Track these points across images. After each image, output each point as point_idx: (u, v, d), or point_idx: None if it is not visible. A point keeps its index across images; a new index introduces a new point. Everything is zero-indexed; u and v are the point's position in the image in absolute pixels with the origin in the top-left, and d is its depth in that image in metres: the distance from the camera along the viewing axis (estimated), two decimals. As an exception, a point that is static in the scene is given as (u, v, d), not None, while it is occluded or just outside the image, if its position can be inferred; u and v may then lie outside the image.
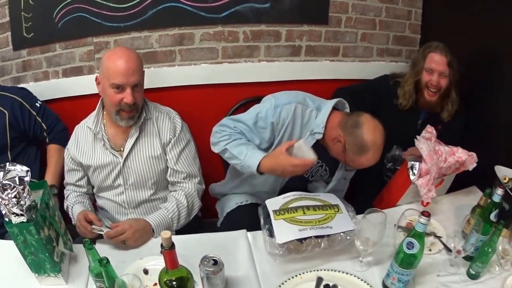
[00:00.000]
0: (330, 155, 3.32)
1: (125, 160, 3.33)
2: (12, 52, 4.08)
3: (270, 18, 4.14)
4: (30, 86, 4.07)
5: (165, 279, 2.24)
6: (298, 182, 3.50)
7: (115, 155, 3.32)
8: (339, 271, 2.77)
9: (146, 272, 2.74)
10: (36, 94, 3.90)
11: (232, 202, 3.69)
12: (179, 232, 3.29)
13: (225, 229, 3.35)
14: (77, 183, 3.50)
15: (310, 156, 2.91)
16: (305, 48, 4.34)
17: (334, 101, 3.31)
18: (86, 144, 3.38)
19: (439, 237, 3.08)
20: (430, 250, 2.98)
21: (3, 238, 3.04)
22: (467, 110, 3.96)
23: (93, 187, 3.56)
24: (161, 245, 2.10)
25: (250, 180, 3.59)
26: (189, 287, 2.31)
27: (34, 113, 3.77)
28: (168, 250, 2.11)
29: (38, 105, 3.81)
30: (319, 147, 3.25)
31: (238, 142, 3.24)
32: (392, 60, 4.66)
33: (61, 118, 3.96)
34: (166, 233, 2.07)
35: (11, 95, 3.71)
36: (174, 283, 2.23)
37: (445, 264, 2.86)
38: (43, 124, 3.82)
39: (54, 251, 2.56)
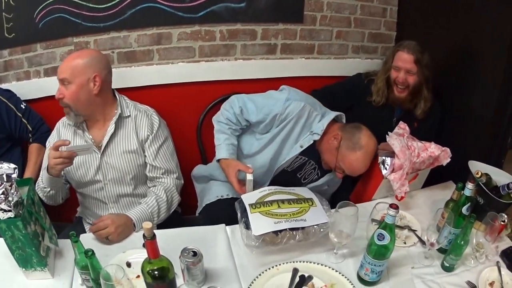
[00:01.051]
0: (323, 162, 3.47)
1: (102, 154, 3.40)
2: None
3: (246, 17, 4.20)
4: (12, 85, 4.13)
5: (148, 269, 2.32)
6: (290, 181, 3.56)
7: (94, 150, 3.38)
8: (314, 263, 2.87)
9: (128, 265, 2.80)
10: (18, 93, 3.97)
11: (213, 194, 3.80)
12: (159, 227, 3.31)
13: (204, 219, 3.52)
14: None
15: (247, 189, 3.18)
16: (281, 46, 4.42)
17: (337, 112, 3.48)
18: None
19: (414, 231, 3.17)
20: (405, 243, 3.07)
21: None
22: (442, 107, 4.02)
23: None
24: (143, 235, 2.17)
25: (241, 161, 3.61)
26: (170, 277, 2.39)
27: (20, 115, 3.82)
28: (150, 240, 2.18)
29: (23, 107, 3.86)
30: (314, 150, 3.44)
31: (223, 129, 3.49)
32: (367, 57, 4.73)
33: (44, 116, 4.02)
34: (148, 224, 2.14)
35: None
36: (156, 272, 2.31)
37: (419, 257, 2.95)
38: (28, 126, 3.88)
39: (40, 246, 2.60)
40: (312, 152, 3.48)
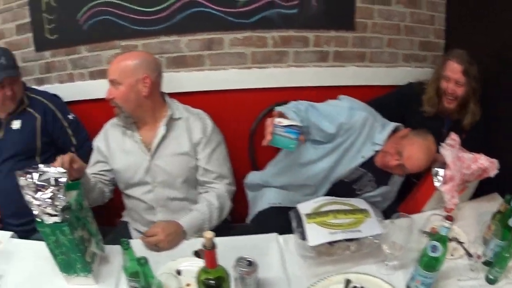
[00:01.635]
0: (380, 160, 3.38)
1: (152, 156, 3.36)
2: (35, 53, 4.10)
3: (297, 23, 4.13)
4: (55, 87, 4.17)
5: (203, 278, 2.27)
6: (345, 191, 3.54)
7: (143, 152, 3.36)
8: (366, 274, 2.79)
9: (179, 273, 2.72)
10: (61, 95, 4.00)
11: (265, 201, 3.74)
12: None
13: (255, 227, 3.47)
14: (100, 172, 3.47)
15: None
16: (333, 53, 4.34)
17: (397, 123, 3.47)
18: (115, 141, 3.44)
19: (461, 243, 3.07)
20: (452, 255, 2.96)
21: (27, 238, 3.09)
22: (487, 119, 3.92)
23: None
24: (203, 245, 2.13)
25: (296, 169, 3.60)
26: (225, 287, 2.32)
27: (66, 125, 3.80)
28: (210, 249, 2.13)
29: (71, 118, 3.85)
30: (373, 162, 3.45)
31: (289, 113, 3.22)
32: (417, 65, 4.60)
33: (87, 119, 4.00)
34: (209, 233, 2.10)
35: (45, 101, 3.75)
36: (212, 282, 2.25)
37: (465, 269, 2.85)
38: (72, 139, 3.85)
39: (86, 252, 2.58)
40: (371, 164, 3.45)
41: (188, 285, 2.62)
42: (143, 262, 2.27)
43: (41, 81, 4.21)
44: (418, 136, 3.26)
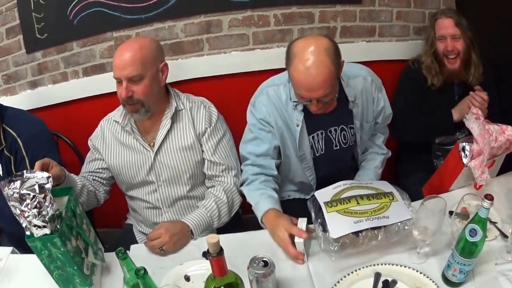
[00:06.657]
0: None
1: (156, 153, 3.21)
2: (26, 56, 4.03)
3: (300, -1, 3.99)
4: (49, 88, 4.14)
5: (213, 286, 2.07)
6: (335, 160, 3.46)
7: (146, 148, 3.21)
8: (396, 265, 2.63)
9: (187, 279, 2.61)
10: (56, 96, 4.08)
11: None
12: (218, 231, 3.20)
13: None
14: (97, 170, 3.33)
15: (301, 248, 2.68)
16: (340, 29, 4.18)
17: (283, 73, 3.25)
18: (113, 140, 3.29)
19: (494, 223, 2.88)
20: (486, 237, 2.68)
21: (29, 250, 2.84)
22: (493, 68, 3.90)
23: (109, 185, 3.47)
24: (208, 251, 1.91)
25: (283, 178, 3.52)
26: (239, 294, 2.11)
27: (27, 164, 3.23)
28: (216, 257, 1.92)
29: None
30: (312, 117, 3.18)
31: (254, 188, 3.18)
32: (429, 38, 4.57)
33: (86, 117, 3.88)
34: (213, 238, 1.87)
35: (14, 134, 3.15)
36: None
37: (502, 251, 2.68)
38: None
39: (83, 264, 2.43)
40: (318, 121, 3.22)
41: (198, 292, 2.46)
42: (142, 273, 2.03)
43: (34, 84, 4.17)
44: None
